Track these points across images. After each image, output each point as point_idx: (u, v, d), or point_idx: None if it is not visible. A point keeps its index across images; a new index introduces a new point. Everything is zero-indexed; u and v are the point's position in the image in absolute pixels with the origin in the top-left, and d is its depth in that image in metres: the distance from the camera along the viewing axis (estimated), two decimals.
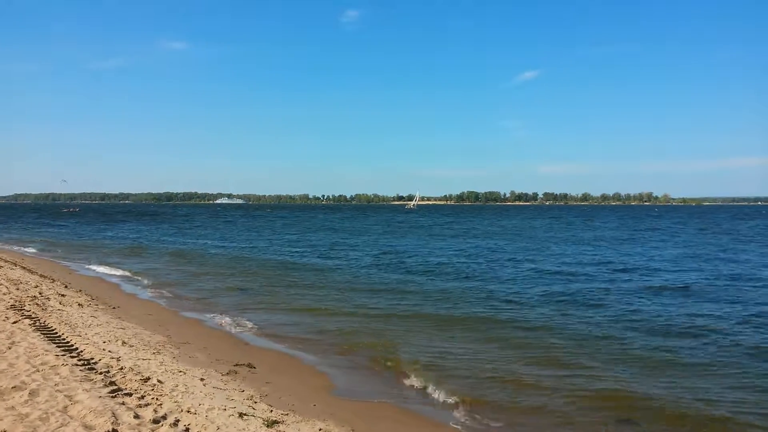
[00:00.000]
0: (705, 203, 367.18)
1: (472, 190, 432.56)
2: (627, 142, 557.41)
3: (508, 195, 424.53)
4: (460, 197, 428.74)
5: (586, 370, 11.22)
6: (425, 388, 10.36)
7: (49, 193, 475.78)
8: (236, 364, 11.25)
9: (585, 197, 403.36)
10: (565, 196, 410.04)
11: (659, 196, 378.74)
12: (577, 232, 59.47)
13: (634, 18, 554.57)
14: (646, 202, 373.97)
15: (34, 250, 36.80)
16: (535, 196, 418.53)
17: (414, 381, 10.71)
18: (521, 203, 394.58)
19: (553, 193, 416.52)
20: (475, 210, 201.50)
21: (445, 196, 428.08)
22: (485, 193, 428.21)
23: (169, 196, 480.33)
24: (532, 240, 47.90)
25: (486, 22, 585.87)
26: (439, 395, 10.00)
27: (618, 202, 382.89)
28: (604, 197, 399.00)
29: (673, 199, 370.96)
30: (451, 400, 9.73)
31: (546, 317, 16.05)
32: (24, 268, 23.10)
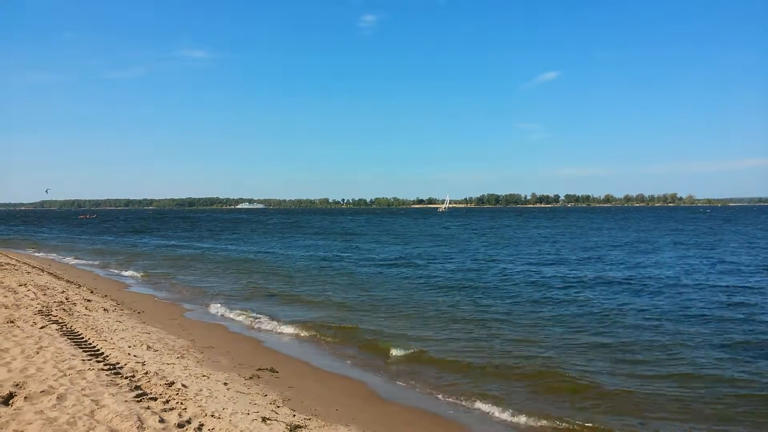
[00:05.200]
0: (730, 204, 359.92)
1: (492, 192, 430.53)
2: (649, 142, 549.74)
3: (528, 197, 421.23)
4: (480, 200, 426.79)
5: None
6: (457, 396, 10.27)
7: (75, 200, 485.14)
8: (259, 369, 11.31)
9: (608, 199, 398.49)
10: (587, 198, 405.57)
11: (683, 197, 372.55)
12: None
13: (655, 19, 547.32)
14: (670, 203, 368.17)
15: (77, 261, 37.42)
16: (556, 198, 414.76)
17: (443, 389, 10.58)
18: (543, 205, 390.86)
19: (575, 195, 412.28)
20: (504, 213, 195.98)
21: (465, 199, 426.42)
22: (505, 195, 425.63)
23: (191, 202, 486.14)
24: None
25: (504, 25, 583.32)
26: (467, 403, 9.90)
27: (642, 204, 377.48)
28: (627, 198, 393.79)
29: (698, 200, 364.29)
30: (485, 407, 9.63)
31: None
32: (51, 273, 23.53)
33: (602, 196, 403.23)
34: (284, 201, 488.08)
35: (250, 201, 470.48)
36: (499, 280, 24.26)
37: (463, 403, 9.87)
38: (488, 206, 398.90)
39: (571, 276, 25.10)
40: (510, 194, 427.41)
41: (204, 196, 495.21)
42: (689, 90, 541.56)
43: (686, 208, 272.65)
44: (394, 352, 12.78)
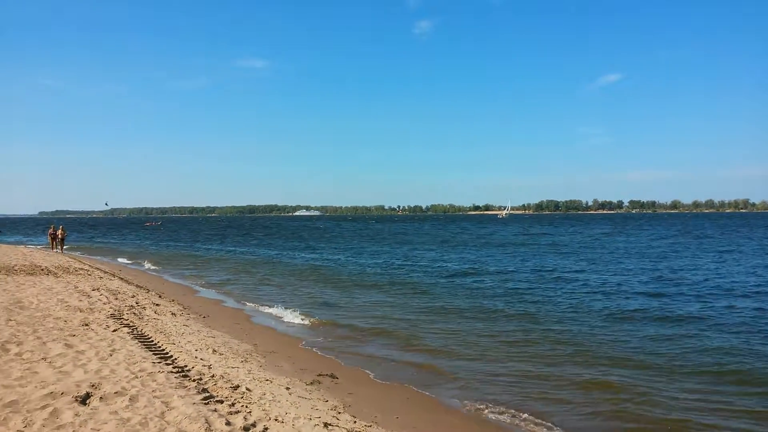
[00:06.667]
0: None
1: (551, 199, 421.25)
2: (719, 144, 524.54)
3: (590, 203, 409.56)
4: (539, 206, 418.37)
5: None
6: (506, 406, 10.05)
7: (142, 207, 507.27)
8: (319, 374, 11.40)
9: (675, 205, 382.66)
10: (653, 204, 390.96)
11: (757, 202, 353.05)
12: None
13: (721, 18, 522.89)
14: (742, 209, 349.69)
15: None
16: (620, 204, 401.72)
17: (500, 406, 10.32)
18: (605, 212, 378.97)
19: (639, 201, 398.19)
20: (569, 219, 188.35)
21: (523, 205, 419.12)
22: (565, 201, 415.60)
23: (252, 209, 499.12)
24: None
25: (562, 26, 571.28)
26: (524, 416, 9.66)
27: (712, 210, 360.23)
28: (696, 204, 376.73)
29: None
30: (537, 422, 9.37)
31: None
32: (121, 278, 24.60)
33: (669, 202, 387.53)
34: (340, 208, 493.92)
35: (307, 208, 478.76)
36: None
37: (517, 417, 9.61)
38: (547, 212, 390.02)
39: None
40: (570, 200, 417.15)
41: (263, 204, 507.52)
42: (761, 89, 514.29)
43: (760, 214, 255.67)
44: (457, 363, 12.56)
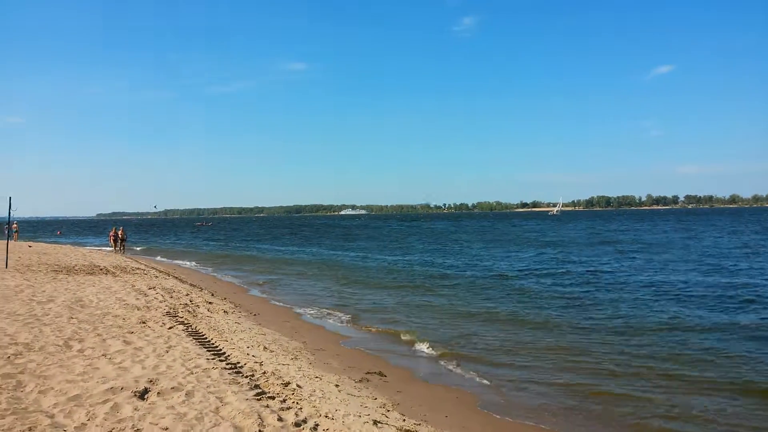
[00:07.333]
0: None
1: (601, 194, 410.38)
2: None
3: (644, 199, 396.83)
4: (590, 202, 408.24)
5: None
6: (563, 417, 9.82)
7: (194, 209, 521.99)
8: (368, 372, 11.46)
9: (733, 199, 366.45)
10: (710, 199, 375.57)
11: None
12: None
13: None
14: None
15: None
16: (675, 199, 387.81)
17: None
18: (659, 207, 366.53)
19: (695, 196, 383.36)
20: (627, 215, 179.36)
21: (573, 201, 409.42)
22: (617, 197, 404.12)
23: (298, 209, 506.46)
24: None
25: (613, 16, 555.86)
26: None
27: None
28: (756, 198, 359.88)
29: None
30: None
31: None
32: (176, 277, 25.37)
33: (727, 197, 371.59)
34: (385, 207, 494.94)
35: (353, 207, 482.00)
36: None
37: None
38: (599, 209, 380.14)
39: None
40: (622, 196, 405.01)
41: (309, 203, 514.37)
42: None
43: None
44: (508, 368, 12.28)
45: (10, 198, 22.85)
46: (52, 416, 6.15)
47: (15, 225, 44.92)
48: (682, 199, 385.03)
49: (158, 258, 43.51)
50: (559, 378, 11.39)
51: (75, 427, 5.88)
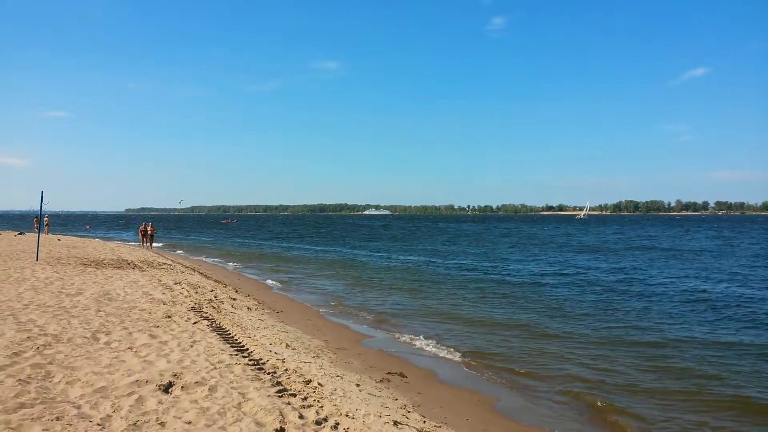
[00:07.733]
0: None
1: (630, 199, 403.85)
2: None
3: (673, 204, 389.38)
4: (617, 207, 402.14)
5: None
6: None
7: (220, 206, 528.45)
8: (389, 372, 11.45)
9: (766, 206, 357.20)
10: (741, 205, 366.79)
11: None
12: None
13: None
14: None
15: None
16: (705, 206, 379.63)
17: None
18: (689, 213, 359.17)
19: (727, 202, 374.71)
20: (656, 221, 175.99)
21: (600, 206, 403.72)
22: (646, 202, 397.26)
23: (322, 208, 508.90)
24: None
25: (643, 19, 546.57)
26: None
27: None
28: None
29: None
30: None
31: None
32: (201, 273, 25.67)
33: (759, 204, 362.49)
34: (409, 207, 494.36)
35: (377, 207, 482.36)
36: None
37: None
38: (627, 213, 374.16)
39: None
40: (651, 201, 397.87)
41: (333, 202, 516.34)
42: None
43: None
44: (530, 375, 12.13)
45: (42, 192, 23.35)
46: (78, 407, 6.26)
47: (46, 218, 45.94)
48: (713, 205, 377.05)
49: (181, 252, 44.11)
50: (579, 387, 11.18)
51: (101, 419, 5.98)
